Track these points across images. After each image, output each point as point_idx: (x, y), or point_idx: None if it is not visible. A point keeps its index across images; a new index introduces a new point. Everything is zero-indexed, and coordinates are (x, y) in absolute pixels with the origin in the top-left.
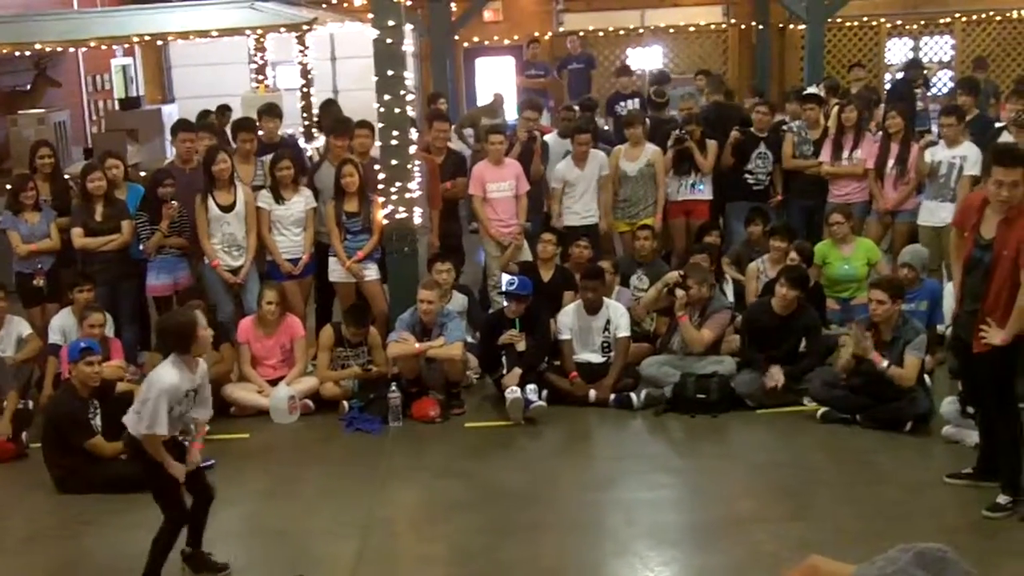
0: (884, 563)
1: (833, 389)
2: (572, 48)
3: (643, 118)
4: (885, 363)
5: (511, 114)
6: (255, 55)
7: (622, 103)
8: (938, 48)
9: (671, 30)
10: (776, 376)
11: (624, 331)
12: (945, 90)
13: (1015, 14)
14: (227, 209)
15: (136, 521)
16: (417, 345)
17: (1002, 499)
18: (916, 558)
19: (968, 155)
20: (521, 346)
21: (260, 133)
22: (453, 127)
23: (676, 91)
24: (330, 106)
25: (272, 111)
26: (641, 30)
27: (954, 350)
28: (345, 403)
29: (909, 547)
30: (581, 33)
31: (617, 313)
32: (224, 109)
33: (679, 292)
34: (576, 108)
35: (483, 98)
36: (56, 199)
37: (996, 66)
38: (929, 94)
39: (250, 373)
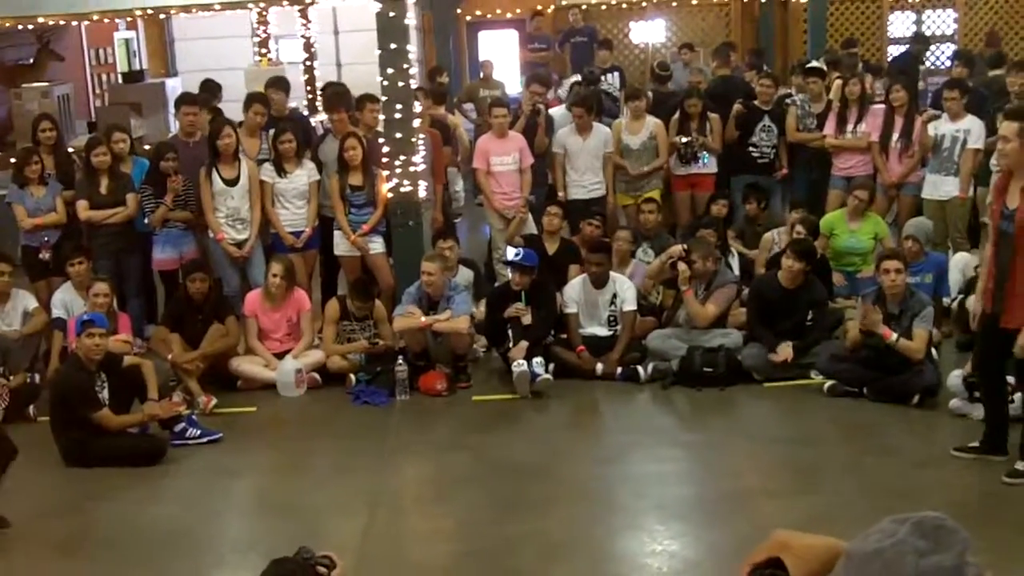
0: (880, 536)
1: (840, 362)
2: (574, 21)
3: (645, 91)
4: (894, 336)
5: (504, 80)
6: (258, 28)
7: (603, 77)
8: (940, 22)
9: (674, 3)
10: (784, 351)
11: (630, 305)
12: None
13: None
14: (231, 183)
15: (144, 495)
16: (423, 319)
17: (1021, 465)
18: (914, 528)
19: (971, 128)
20: (526, 319)
21: None
22: (455, 99)
23: (676, 64)
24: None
25: (279, 84)
26: (644, 3)
27: (980, 324)
28: (352, 376)
29: (904, 518)
30: (584, 6)
31: (623, 287)
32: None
33: (681, 266)
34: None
35: None
36: (60, 172)
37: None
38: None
39: (257, 346)
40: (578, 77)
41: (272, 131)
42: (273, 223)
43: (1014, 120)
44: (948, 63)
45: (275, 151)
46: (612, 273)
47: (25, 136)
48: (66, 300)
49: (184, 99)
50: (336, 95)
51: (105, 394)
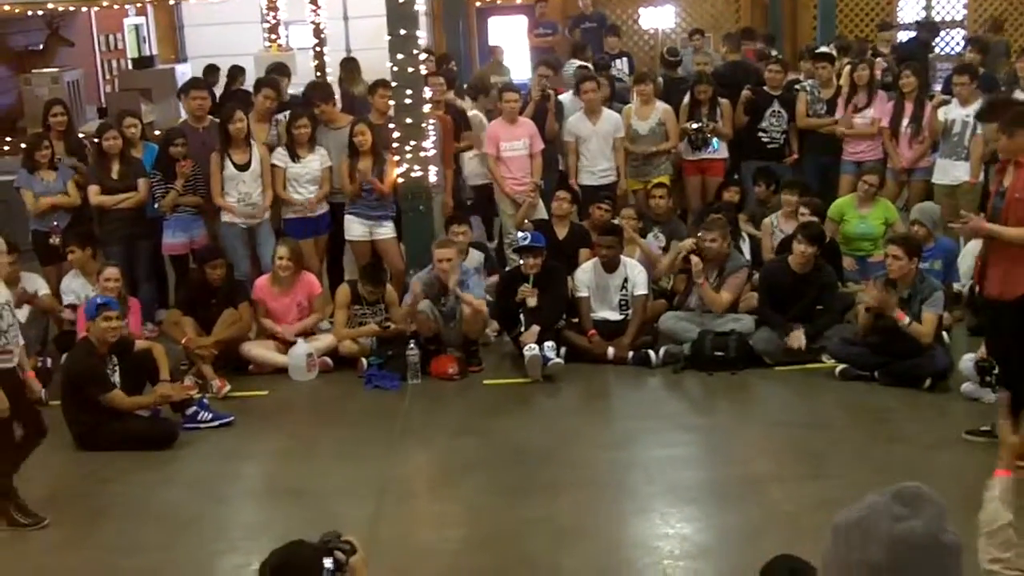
0: (862, 506)
1: (851, 346)
2: (584, 7)
3: (654, 76)
4: (907, 319)
5: (513, 66)
6: (267, 14)
7: (612, 63)
8: (950, 7)
9: None
10: (798, 338)
11: (641, 289)
12: (959, 49)
13: None
14: (243, 168)
15: (156, 479)
16: (452, 288)
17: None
18: (893, 497)
19: None
20: (532, 302)
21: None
22: (465, 86)
23: (686, 50)
24: (349, 63)
25: (280, 70)
26: None
27: (981, 304)
28: (364, 360)
29: (885, 491)
30: None
31: (635, 271)
32: (239, 70)
33: (694, 259)
34: (590, 67)
35: None
36: (70, 157)
37: (1008, 26)
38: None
39: (268, 323)
40: (576, 62)
41: (280, 116)
42: (289, 201)
43: (987, 120)
44: (958, 49)
45: (289, 136)
46: (623, 257)
47: (35, 121)
48: (74, 287)
49: (192, 84)
50: (314, 88)
51: (116, 377)
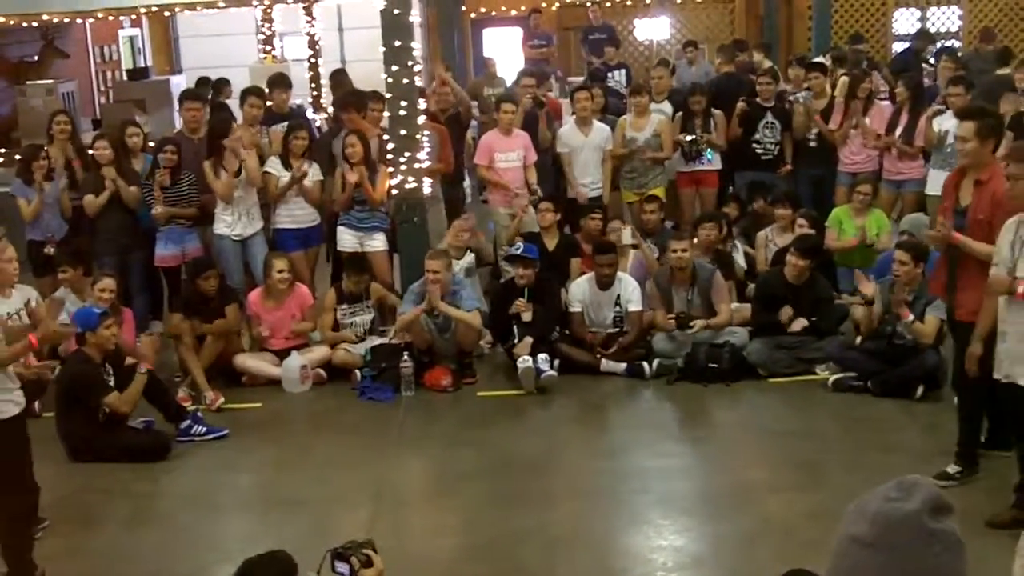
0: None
1: (849, 351)
2: (594, 18)
3: (649, 87)
4: (911, 317)
5: (508, 77)
6: (262, 26)
7: (610, 74)
8: (945, 19)
9: (678, 0)
10: (794, 319)
11: (636, 305)
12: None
13: None
14: (234, 175)
15: (151, 489)
16: (436, 305)
17: (951, 468)
18: (895, 484)
19: None
20: (527, 316)
21: (269, 103)
22: None
23: (680, 62)
24: (340, 75)
25: (282, 82)
26: (648, 0)
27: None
28: (357, 372)
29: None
30: (589, 3)
31: (628, 288)
32: (223, 82)
33: (698, 324)
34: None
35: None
36: (70, 167)
37: (1004, 36)
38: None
39: (259, 333)
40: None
41: (277, 127)
42: (281, 195)
43: (970, 119)
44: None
45: (285, 146)
46: (618, 273)
47: (30, 132)
48: (66, 305)
49: (187, 95)
50: (353, 96)
51: (112, 384)
